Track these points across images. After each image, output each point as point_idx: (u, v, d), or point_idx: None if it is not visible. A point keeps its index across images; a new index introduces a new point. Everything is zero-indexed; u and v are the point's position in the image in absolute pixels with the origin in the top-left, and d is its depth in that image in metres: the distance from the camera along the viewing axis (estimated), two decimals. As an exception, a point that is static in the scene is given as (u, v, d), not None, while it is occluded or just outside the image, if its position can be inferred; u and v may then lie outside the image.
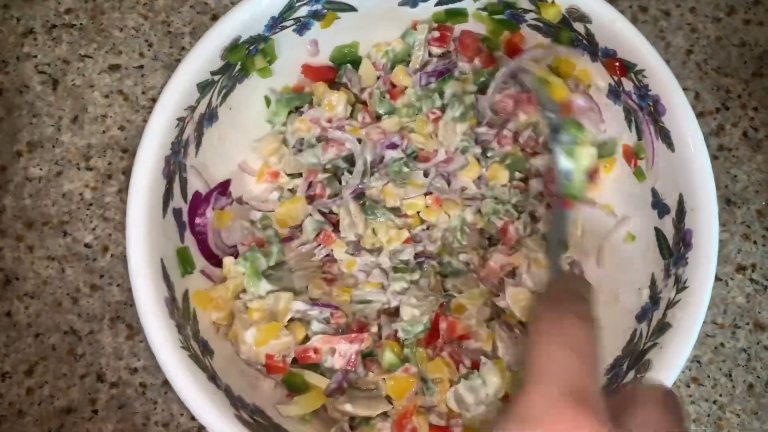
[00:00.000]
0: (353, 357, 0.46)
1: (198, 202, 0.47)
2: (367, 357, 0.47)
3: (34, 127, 0.54)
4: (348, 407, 0.44)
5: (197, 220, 0.47)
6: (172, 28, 0.57)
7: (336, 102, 0.48)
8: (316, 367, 0.46)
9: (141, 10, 0.57)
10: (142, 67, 0.56)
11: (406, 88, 0.51)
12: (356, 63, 0.51)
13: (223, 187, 0.49)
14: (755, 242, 0.55)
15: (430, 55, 0.51)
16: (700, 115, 0.58)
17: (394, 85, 0.51)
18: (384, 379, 0.46)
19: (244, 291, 0.47)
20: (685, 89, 0.57)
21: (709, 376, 0.53)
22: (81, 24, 0.57)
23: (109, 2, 0.57)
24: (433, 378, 0.46)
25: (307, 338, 0.46)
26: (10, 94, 0.55)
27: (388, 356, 0.46)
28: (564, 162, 0.43)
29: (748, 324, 0.54)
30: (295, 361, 0.46)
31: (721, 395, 0.52)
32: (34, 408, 0.49)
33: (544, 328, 0.31)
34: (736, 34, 0.60)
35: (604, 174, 0.51)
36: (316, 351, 0.45)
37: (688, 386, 0.52)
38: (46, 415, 0.49)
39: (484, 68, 0.51)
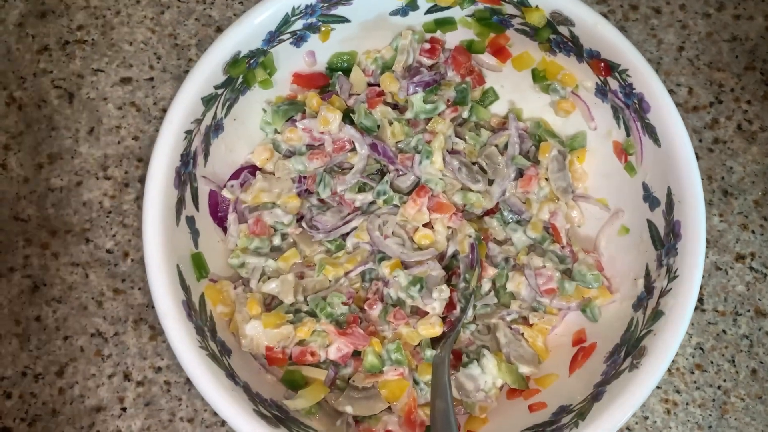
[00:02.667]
0: (347, 354, 0.47)
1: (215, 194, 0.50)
2: (356, 355, 0.48)
3: (53, 140, 0.55)
4: (348, 409, 0.45)
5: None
6: (179, 40, 0.59)
7: (332, 120, 0.49)
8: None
9: (149, 25, 0.59)
10: (152, 79, 0.58)
11: (393, 96, 0.52)
12: (349, 71, 0.52)
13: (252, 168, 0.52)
14: (753, 231, 0.55)
15: (420, 65, 0.52)
16: (694, 110, 0.58)
17: (383, 93, 0.52)
18: (376, 383, 0.46)
19: (244, 285, 0.48)
20: (678, 85, 0.59)
21: (712, 362, 0.53)
22: (93, 40, 0.58)
23: (118, 18, 0.59)
24: (425, 380, 0.47)
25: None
26: (29, 109, 0.56)
27: (370, 359, 0.46)
28: None
29: (749, 311, 0.54)
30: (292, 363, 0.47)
31: (725, 380, 0.52)
32: (66, 407, 0.50)
33: None
34: (726, 29, 0.60)
35: (584, 166, 0.52)
36: (313, 354, 0.46)
37: (693, 372, 0.53)
38: (78, 414, 0.50)
39: (474, 87, 0.53)
